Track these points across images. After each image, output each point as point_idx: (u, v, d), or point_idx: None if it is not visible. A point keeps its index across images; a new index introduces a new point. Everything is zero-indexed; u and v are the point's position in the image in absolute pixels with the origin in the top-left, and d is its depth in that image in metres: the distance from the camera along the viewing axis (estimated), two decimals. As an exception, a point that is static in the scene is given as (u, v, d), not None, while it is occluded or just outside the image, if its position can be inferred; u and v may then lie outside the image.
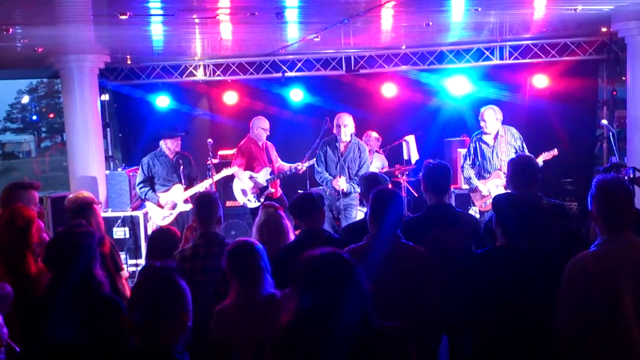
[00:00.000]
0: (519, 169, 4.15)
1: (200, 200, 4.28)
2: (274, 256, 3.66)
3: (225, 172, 7.58)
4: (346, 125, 6.95)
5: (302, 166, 7.51)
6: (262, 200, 7.54)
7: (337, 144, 6.99)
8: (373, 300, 2.27)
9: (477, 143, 7.08)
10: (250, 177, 7.63)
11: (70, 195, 4.51)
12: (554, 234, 3.59)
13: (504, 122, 7.08)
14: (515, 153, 6.81)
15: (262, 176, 7.66)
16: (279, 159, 7.97)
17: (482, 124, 6.93)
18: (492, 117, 6.89)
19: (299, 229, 4.26)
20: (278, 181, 7.88)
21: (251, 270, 3.25)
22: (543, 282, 3.05)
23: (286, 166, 7.81)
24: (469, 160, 7.13)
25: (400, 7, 5.97)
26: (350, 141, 7.02)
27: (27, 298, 3.05)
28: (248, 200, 7.70)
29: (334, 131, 7.03)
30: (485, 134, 6.96)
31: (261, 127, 7.74)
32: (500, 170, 6.94)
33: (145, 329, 2.34)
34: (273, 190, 7.73)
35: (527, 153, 6.96)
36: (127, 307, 2.47)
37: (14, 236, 3.36)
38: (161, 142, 7.42)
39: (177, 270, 3.94)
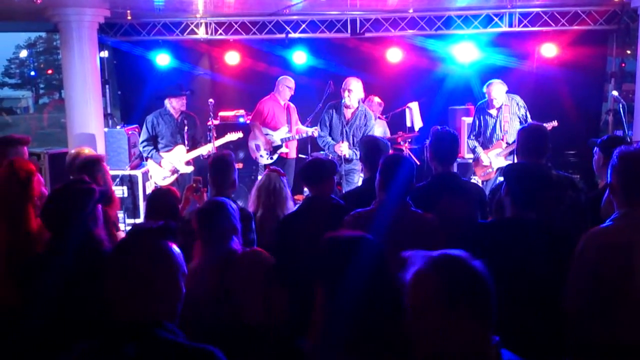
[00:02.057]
0: (529, 137, 4.06)
1: (214, 163, 4.21)
2: (278, 221, 3.60)
3: (229, 137, 7.54)
4: (351, 90, 6.80)
5: (317, 131, 7.40)
6: (274, 157, 7.61)
7: (343, 110, 6.86)
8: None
9: (481, 114, 7.04)
10: (266, 134, 7.65)
11: (72, 151, 4.38)
12: (563, 206, 3.52)
13: (510, 91, 6.98)
14: (520, 122, 6.74)
15: (278, 135, 7.70)
16: (299, 122, 7.95)
17: (491, 100, 6.87)
18: (500, 92, 6.85)
19: (298, 194, 4.18)
20: (295, 143, 7.92)
21: (217, 231, 3.20)
22: (551, 255, 2.99)
23: (303, 129, 7.77)
24: (475, 131, 7.09)
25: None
26: (358, 108, 6.89)
27: (26, 254, 2.98)
28: (260, 155, 7.77)
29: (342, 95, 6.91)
30: (492, 106, 6.91)
31: (287, 85, 7.76)
32: (502, 140, 6.88)
33: (125, 302, 1.93)
34: (287, 150, 7.77)
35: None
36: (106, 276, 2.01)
37: (17, 189, 3.25)
38: (166, 101, 7.32)
39: (182, 229, 3.88)
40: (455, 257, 1.77)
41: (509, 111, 6.89)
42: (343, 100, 6.81)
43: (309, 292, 3.43)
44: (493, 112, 6.94)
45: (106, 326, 1.92)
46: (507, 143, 6.83)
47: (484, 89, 7.02)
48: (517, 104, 6.92)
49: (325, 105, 7.14)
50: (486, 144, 7.01)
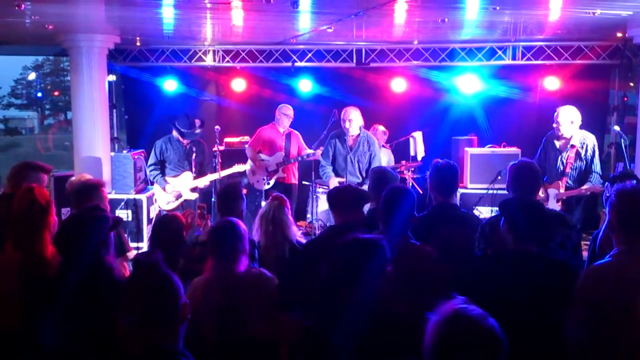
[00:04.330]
0: (522, 174, 4.04)
1: (223, 192, 4.30)
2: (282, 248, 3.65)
3: (237, 167, 7.63)
4: (351, 120, 6.93)
5: (318, 153, 7.49)
6: (271, 183, 7.74)
7: (346, 137, 6.96)
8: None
9: (546, 143, 6.51)
10: (262, 160, 7.77)
11: (73, 178, 4.46)
12: (552, 244, 3.55)
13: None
14: (584, 167, 6.30)
15: (274, 160, 7.80)
16: (306, 148, 8.03)
17: (557, 127, 6.28)
18: (565, 119, 6.23)
19: (302, 220, 4.20)
20: (294, 167, 8.01)
21: (227, 249, 3.32)
22: (552, 289, 3.01)
23: (306, 151, 7.91)
24: (536, 160, 6.32)
25: (417, 1, 5.90)
26: (359, 134, 6.98)
27: (38, 278, 3.02)
28: (257, 181, 7.86)
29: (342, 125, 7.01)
30: (559, 136, 6.34)
31: (284, 112, 7.92)
32: (562, 181, 6.30)
33: (141, 332, 2.01)
34: (284, 175, 7.86)
35: (598, 167, 6.31)
36: (118, 308, 2.09)
37: (37, 217, 3.30)
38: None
39: (185, 254, 3.97)
40: (470, 316, 1.78)
41: (575, 153, 6.25)
42: (346, 130, 6.92)
43: (325, 315, 3.43)
44: (559, 144, 6.36)
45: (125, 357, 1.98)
46: (566, 185, 6.27)
47: (554, 117, 6.39)
48: (587, 146, 6.27)
49: (329, 134, 7.23)
50: (550, 179, 6.40)
